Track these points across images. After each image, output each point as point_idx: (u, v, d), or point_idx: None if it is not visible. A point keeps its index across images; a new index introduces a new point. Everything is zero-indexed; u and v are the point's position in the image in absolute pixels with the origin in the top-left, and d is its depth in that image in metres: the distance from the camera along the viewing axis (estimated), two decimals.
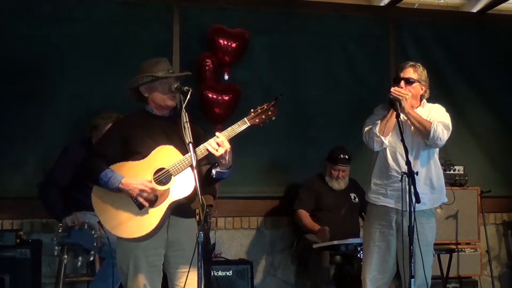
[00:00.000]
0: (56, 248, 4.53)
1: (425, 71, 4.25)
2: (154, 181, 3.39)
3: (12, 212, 5.31)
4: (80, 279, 5.14)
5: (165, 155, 3.41)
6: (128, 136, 3.49)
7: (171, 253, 3.49)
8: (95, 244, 4.43)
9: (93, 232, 4.44)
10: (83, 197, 4.45)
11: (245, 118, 3.45)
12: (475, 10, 6.52)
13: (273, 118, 3.49)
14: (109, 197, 3.43)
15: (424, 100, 4.26)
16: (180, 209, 3.44)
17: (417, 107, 4.22)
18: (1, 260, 4.58)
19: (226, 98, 5.52)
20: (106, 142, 3.58)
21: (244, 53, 5.67)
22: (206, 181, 3.53)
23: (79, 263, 4.57)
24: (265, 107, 3.48)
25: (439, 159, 5.55)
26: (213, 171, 3.46)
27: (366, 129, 4.20)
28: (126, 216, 3.39)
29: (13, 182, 5.29)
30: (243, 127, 3.43)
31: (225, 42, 5.56)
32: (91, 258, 4.56)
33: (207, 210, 3.14)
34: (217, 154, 3.35)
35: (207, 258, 5.01)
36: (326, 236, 5.20)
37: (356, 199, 5.55)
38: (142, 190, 3.35)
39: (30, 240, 4.94)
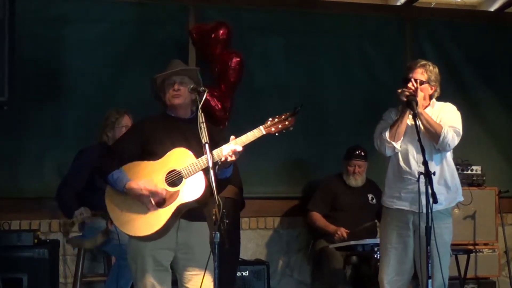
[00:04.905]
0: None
1: (436, 68, 4.17)
2: (166, 182, 3.39)
3: (30, 212, 5.33)
4: (97, 279, 5.17)
5: (179, 157, 3.41)
6: (148, 137, 3.51)
7: (181, 255, 3.50)
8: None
9: (107, 225, 4.51)
10: (98, 199, 4.45)
11: (261, 127, 3.41)
12: (492, 9, 6.48)
13: (290, 129, 3.43)
14: (120, 196, 3.45)
15: (434, 100, 4.20)
16: (190, 213, 3.45)
17: (426, 107, 4.15)
18: (19, 260, 4.59)
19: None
20: (124, 142, 3.61)
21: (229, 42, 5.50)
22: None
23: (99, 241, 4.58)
24: (283, 116, 3.43)
25: (456, 159, 5.57)
26: (218, 173, 3.42)
27: (377, 135, 4.19)
28: (135, 214, 3.40)
29: (31, 183, 5.32)
30: (258, 135, 3.40)
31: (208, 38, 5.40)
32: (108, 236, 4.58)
33: (223, 210, 3.11)
34: (229, 159, 3.35)
35: (235, 259, 5.02)
36: (342, 237, 5.21)
37: (374, 200, 5.52)
38: (141, 196, 3.37)
39: (47, 240, 4.97)
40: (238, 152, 3.34)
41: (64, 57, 5.46)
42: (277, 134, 3.42)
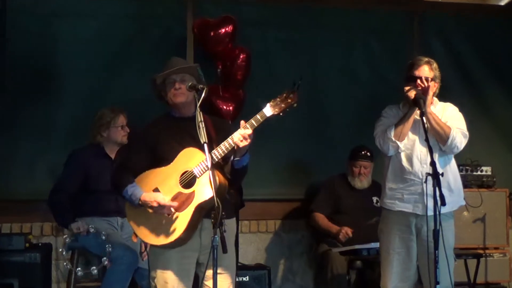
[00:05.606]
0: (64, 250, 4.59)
1: (437, 64, 4.11)
2: (180, 184, 3.38)
3: (22, 215, 5.26)
4: (91, 284, 5.02)
5: (189, 157, 3.40)
6: (155, 144, 3.51)
7: (204, 255, 3.45)
8: (105, 250, 4.42)
9: (103, 237, 4.46)
10: (92, 202, 4.56)
11: (263, 109, 3.35)
12: (502, 3, 6.39)
13: (294, 105, 3.36)
14: (138, 208, 3.44)
15: (436, 99, 4.13)
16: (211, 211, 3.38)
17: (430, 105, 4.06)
18: (10, 265, 4.54)
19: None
20: (131, 153, 3.64)
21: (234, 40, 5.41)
22: (233, 176, 3.47)
23: (95, 271, 4.53)
24: (285, 95, 3.36)
25: (466, 159, 5.52)
26: (234, 162, 3.41)
27: (378, 133, 4.10)
28: (156, 223, 3.41)
29: (23, 185, 5.26)
30: (262, 119, 3.33)
31: (213, 33, 5.29)
32: (105, 263, 4.51)
33: (223, 213, 3.10)
34: (241, 145, 3.29)
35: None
36: (347, 236, 5.12)
37: (378, 203, 5.38)
38: (154, 208, 3.36)
39: (39, 244, 4.94)
40: (249, 135, 3.30)
41: (57, 54, 5.39)
42: (281, 114, 3.35)
